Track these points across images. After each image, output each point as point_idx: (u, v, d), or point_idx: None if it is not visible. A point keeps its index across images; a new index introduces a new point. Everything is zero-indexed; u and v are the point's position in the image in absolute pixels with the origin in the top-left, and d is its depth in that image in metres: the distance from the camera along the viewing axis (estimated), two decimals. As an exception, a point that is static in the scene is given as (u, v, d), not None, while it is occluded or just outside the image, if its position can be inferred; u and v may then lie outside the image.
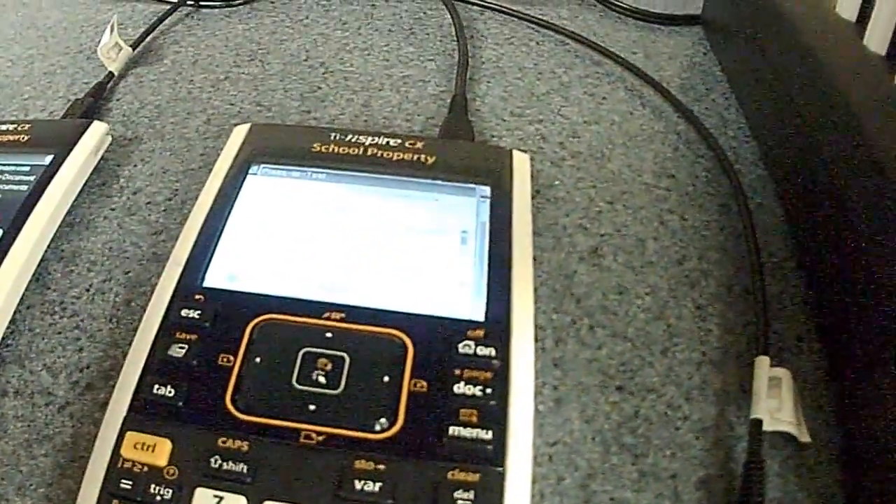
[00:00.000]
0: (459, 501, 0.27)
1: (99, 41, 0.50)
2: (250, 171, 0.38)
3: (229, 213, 0.36)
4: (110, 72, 0.49)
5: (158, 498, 0.27)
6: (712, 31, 0.54)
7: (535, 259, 0.37)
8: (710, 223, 0.41)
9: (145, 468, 0.28)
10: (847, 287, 0.33)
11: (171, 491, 0.27)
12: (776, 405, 0.31)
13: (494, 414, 0.29)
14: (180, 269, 0.34)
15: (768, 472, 0.31)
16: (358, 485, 0.27)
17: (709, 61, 0.52)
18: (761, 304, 0.35)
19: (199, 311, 0.32)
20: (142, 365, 0.30)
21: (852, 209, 0.32)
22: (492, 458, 0.28)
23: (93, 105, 0.47)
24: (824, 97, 0.36)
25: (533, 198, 0.38)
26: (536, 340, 0.34)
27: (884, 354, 0.29)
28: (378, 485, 0.27)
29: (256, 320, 0.32)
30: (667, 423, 0.33)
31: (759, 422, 0.31)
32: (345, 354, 0.30)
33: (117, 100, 0.49)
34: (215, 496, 0.27)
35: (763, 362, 0.33)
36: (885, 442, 0.28)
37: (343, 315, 0.32)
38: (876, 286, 0.30)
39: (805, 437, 0.31)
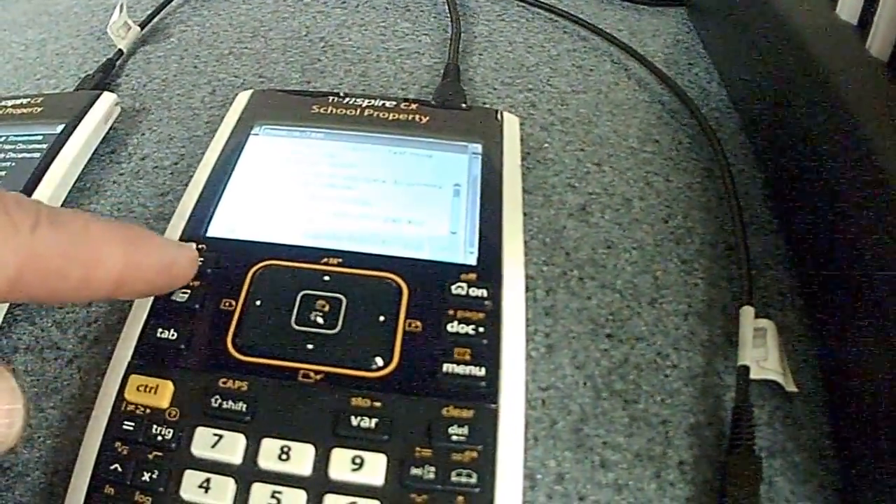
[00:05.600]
0: (454, 437, 0.26)
1: (108, 24, 0.48)
2: (252, 132, 0.37)
3: (232, 169, 0.35)
4: (119, 49, 0.48)
5: (160, 438, 0.26)
6: (696, 11, 0.53)
7: (525, 215, 0.36)
8: (693, 185, 0.39)
9: (148, 410, 0.26)
10: (826, 244, 0.32)
11: (172, 431, 0.26)
12: (762, 354, 0.30)
13: (487, 352, 0.28)
14: (185, 221, 0.32)
15: (756, 421, 0.29)
16: (355, 421, 0.26)
17: (692, 39, 0.51)
18: (745, 258, 0.34)
19: (202, 259, 0.30)
20: (147, 310, 0.29)
21: (831, 172, 0.32)
22: (485, 394, 0.27)
23: (103, 79, 0.46)
24: (802, 69, 0.35)
25: (523, 159, 0.37)
26: (528, 290, 0.33)
27: (863, 308, 0.29)
28: (374, 421, 0.26)
29: (257, 266, 0.30)
30: (656, 370, 0.32)
31: (746, 368, 0.30)
32: (342, 296, 0.29)
33: (126, 75, 0.48)
34: (215, 434, 0.26)
35: (748, 312, 0.32)
36: (869, 393, 0.28)
37: (340, 260, 0.31)
38: (854, 243, 0.29)
39: (791, 387, 0.30)
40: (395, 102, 0.39)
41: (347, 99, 0.39)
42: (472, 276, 0.30)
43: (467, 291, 0.29)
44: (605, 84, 0.46)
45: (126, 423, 0.26)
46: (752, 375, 0.30)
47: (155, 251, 0.26)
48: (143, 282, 0.25)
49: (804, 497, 0.28)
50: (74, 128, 0.39)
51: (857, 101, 0.31)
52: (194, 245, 0.29)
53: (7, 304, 0.33)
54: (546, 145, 0.41)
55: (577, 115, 0.44)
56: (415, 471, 0.25)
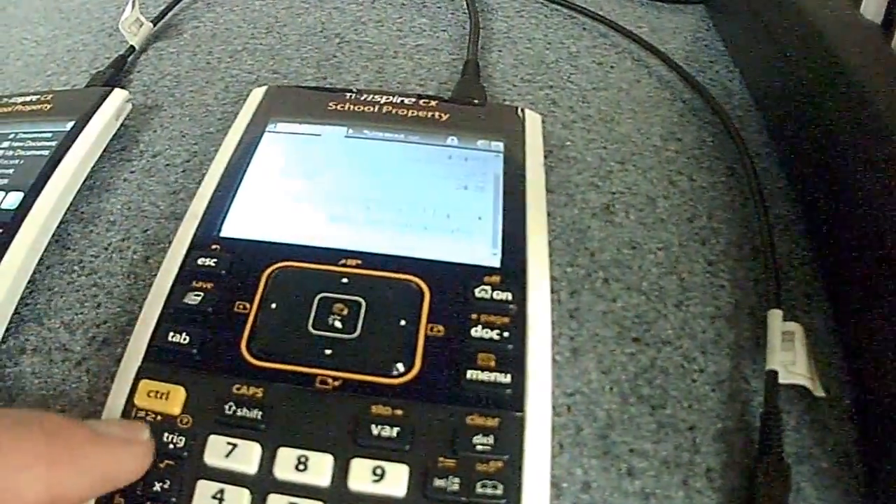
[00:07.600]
0: (479, 446, 0.24)
1: (120, 20, 0.47)
2: (267, 128, 0.36)
3: (247, 166, 0.34)
4: (131, 45, 0.47)
5: (171, 446, 0.24)
6: (714, 9, 0.52)
7: (548, 214, 0.34)
8: (717, 184, 0.38)
9: (159, 417, 0.25)
10: (852, 245, 0.31)
11: (184, 439, 0.25)
12: (790, 358, 0.29)
13: (512, 358, 0.26)
14: (197, 221, 0.31)
15: (784, 426, 0.28)
16: (375, 430, 0.24)
17: (711, 37, 0.50)
18: (772, 260, 0.33)
19: (215, 260, 0.29)
20: (158, 314, 0.28)
21: (856, 171, 0.31)
22: (511, 402, 0.25)
23: (114, 76, 0.44)
24: (827, 68, 0.35)
25: (545, 157, 0.36)
26: (552, 292, 0.32)
27: (891, 311, 0.28)
28: (396, 430, 0.24)
29: (272, 267, 0.29)
30: (683, 375, 0.30)
31: (774, 373, 0.29)
32: (361, 299, 0.28)
33: (138, 71, 0.46)
34: (229, 443, 0.24)
35: (776, 315, 0.31)
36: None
37: (359, 262, 0.29)
38: (881, 243, 0.29)
39: (819, 391, 0.29)
40: (413, 99, 0.37)
41: (365, 95, 0.38)
42: (496, 278, 0.29)
43: (491, 294, 0.28)
44: (627, 81, 0.45)
45: (136, 429, 0.25)
46: (781, 380, 0.29)
47: (89, 463, 0.22)
48: (79, 498, 0.22)
49: (831, 503, 0.27)
50: (85, 125, 0.38)
51: (881, 100, 0.30)
52: (148, 430, 0.25)
53: (14, 304, 0.31)
54: (568, 143, 0.40)
55: (599, 113, 0.42)
56: (438, 482, 0.23)
